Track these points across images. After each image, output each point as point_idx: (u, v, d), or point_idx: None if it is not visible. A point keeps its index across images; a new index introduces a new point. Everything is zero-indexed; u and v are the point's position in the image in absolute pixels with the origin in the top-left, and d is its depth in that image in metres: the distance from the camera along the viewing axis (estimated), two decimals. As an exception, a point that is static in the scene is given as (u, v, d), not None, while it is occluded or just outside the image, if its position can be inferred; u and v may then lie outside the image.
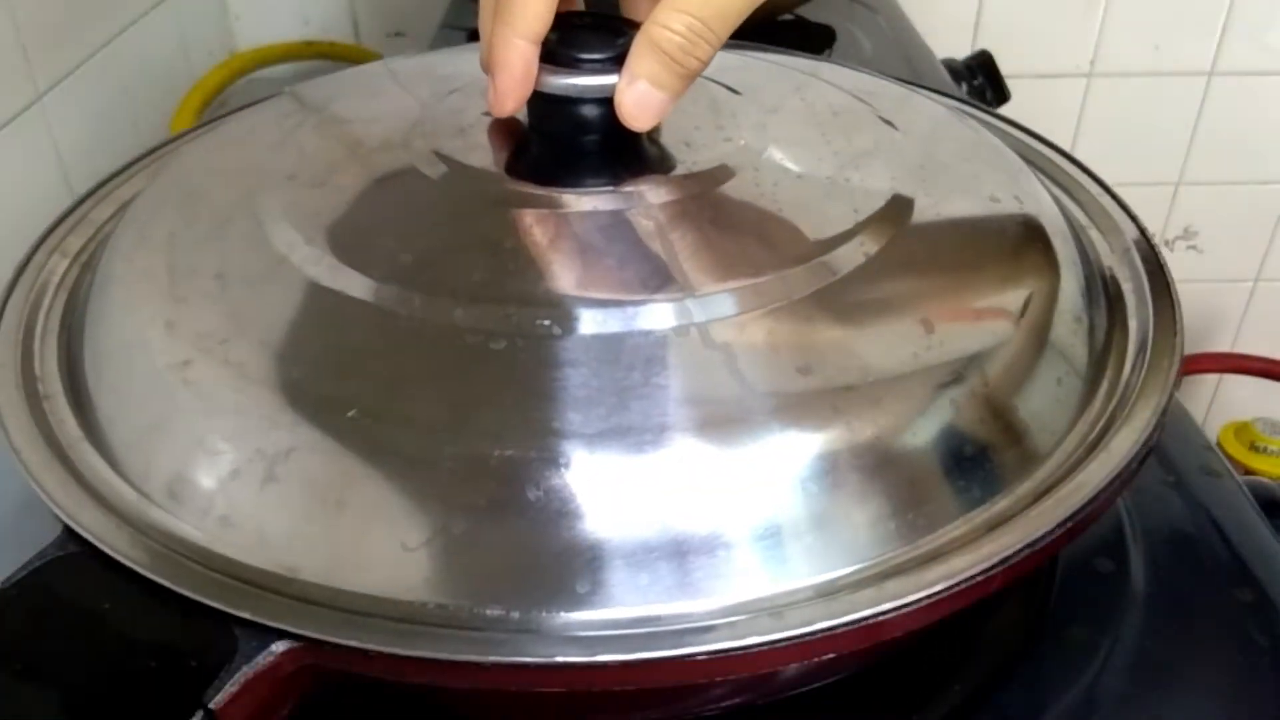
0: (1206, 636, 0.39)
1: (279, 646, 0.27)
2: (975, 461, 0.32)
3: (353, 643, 0.27)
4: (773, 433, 0.31)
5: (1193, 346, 0.34)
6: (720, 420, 0.31)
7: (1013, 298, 0.36)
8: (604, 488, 0.29)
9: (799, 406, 0.31)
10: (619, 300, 0.33)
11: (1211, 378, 0.94)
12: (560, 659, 0.27)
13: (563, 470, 0.29)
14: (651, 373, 0.31)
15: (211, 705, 0.26)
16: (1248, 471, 0.86)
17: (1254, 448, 0.90)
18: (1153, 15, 1.11)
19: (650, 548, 0.29)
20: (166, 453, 0.32)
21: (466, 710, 0.34)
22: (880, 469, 0.31)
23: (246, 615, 0.28)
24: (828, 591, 0.29)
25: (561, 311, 0.32)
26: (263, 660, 0.27)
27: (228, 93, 0.96)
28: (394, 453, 0.30)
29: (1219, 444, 0.90)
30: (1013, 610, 0.40)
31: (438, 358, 0.32)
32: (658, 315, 0.32)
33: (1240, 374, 0.88)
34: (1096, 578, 0.41)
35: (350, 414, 0.31)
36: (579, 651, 0.27)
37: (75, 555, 0.30)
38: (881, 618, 0.28)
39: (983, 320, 0.35)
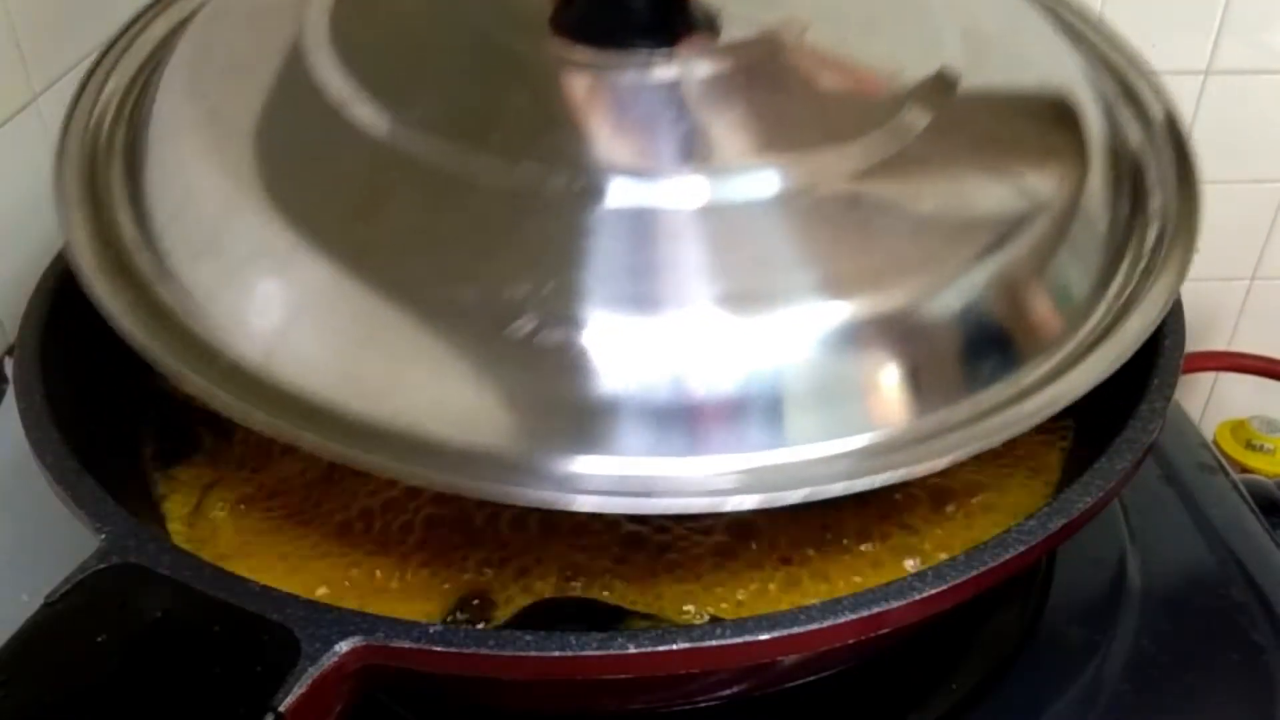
0: (1203, 635, 0.39)
1: (343, 646, 0.27)
2: (997, 336, 0.33)
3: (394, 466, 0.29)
4: (790, 305, 0.31)
5: (1189, 345, 0.34)
6: (740, 290, 0.31)
7: (1043, 174, 0.36)
8: (620, 346, 0.30)
9: (820, 280, 0.32)
10: (652, 169, 0.33)
11: (1208, 376, 0.94)
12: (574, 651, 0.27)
13: (580, 327, 0.30)
14: (675, 241, 0.32)
15: (281, 709, 0.26)
16: (1244, 470, 0.86)
17: (1250, 446, 0.90)
18: (1148, 13, 1.11)
19: (661, 407, 0.30)
20: (216, 293, 0.33)
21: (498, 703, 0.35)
22: (896, 341, 0.32)
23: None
24: (835, 456, 0.30)
25: (594, 176, 0.33)
26: (327, 660, 0.27)
27: (224, 93, 0.96)
28: (419, 300, 0.31)
29: (1215, 442, 0.90)
30: (1010, 608, 0.40)
31: (467, 211, 0.33)
32: (687, 186, 0.33)
33: (1237, 372, 0.88)
34: (1093, 576, 0.42)
35: (380, 260, 0.32)
36: (591, 490, 0.29)
37: (118, 566, 0.29)
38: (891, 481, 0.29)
39: (1013, 196, 0.35)
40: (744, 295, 0.31)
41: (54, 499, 0.33)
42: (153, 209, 0.36)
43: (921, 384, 0.32)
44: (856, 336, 0.31)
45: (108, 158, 0.38)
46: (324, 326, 0.32)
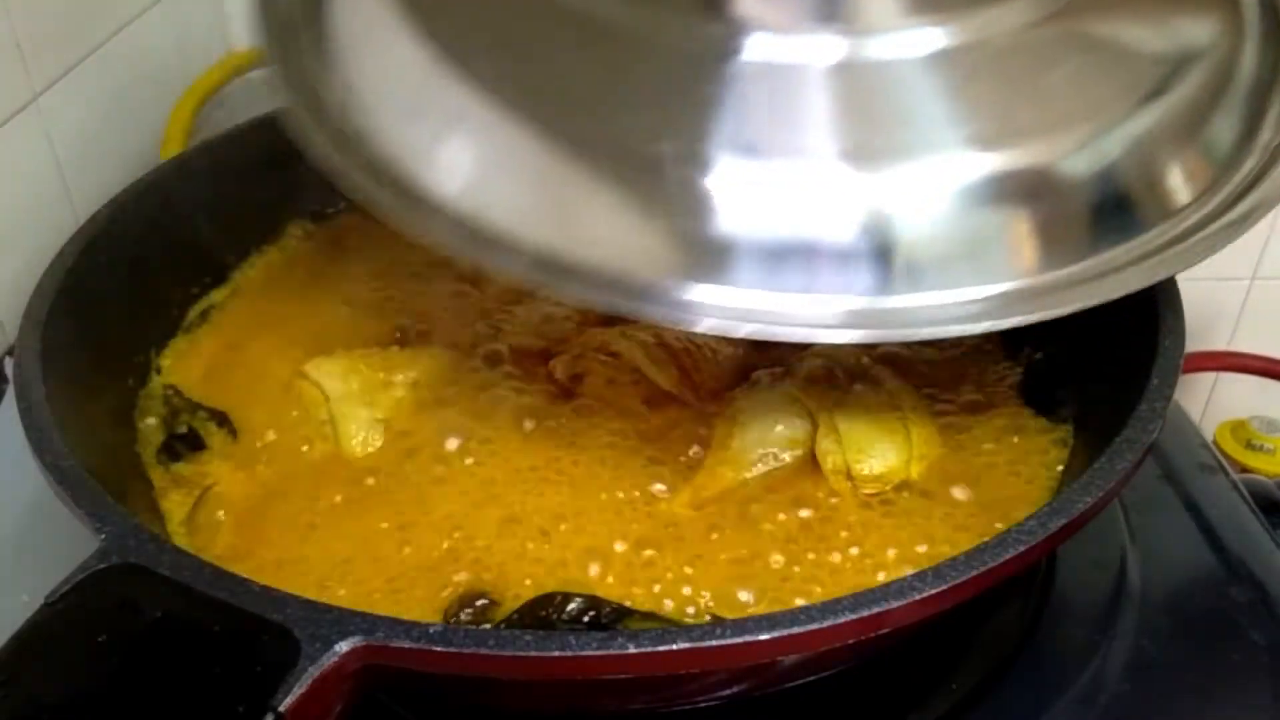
0: (1203, 635, 0.39)
1: (343, 646, 0.27)
2: (1151, 185, 0.34)
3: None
4: (925, 157, 0.33)
5: (1189, 345, 0.35)
6: (872, 145, 0.33)
7: (1200, 24, 0.37)
8: (747, 188, 0.33)
9: (989, 132, 0.33)
10: (797, 26, 0.35)
11: (1208, 376, 0.94)
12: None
13: (711, 168, 0.33)
14: (813, 96, 0.34)
15: (281, 709, 0.26)
16: (1244, 470, 0.86)
17: (1250, 446, 0.90)
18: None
19: (780, 248, 0.33)
20: (426, 152, 0.37)
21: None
22: (1047, 192, 0.33)
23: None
24: (966, 302, 0.32)
25: (739, 29, 0.35)
26: (327, 660, 0.27)
27: (224, 92, 0.96)
28: (602, 153, 0.35)
29: (1215, 442, 0.90)
30: (1010, 608, 0.40)
31: (639, 69, 0.36)
32: (829, 45, 0.34)
33: (1237, 372, 0.88)
34: (1093, 576, 0.41)
35: (557, 113, 0.35)
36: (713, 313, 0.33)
37: (118, 566, 0.29)
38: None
39: (1172, 46, 0.36)
40: (891, 148, 0.33)
41: (54, 499, 0.33)
42: (352, 77, 0.39)
43: (1067, 233, 0.33)
44: (1007, 188, 0.33)
45: (294, 29, 0.41)
46: (521, 178, 0.36)
